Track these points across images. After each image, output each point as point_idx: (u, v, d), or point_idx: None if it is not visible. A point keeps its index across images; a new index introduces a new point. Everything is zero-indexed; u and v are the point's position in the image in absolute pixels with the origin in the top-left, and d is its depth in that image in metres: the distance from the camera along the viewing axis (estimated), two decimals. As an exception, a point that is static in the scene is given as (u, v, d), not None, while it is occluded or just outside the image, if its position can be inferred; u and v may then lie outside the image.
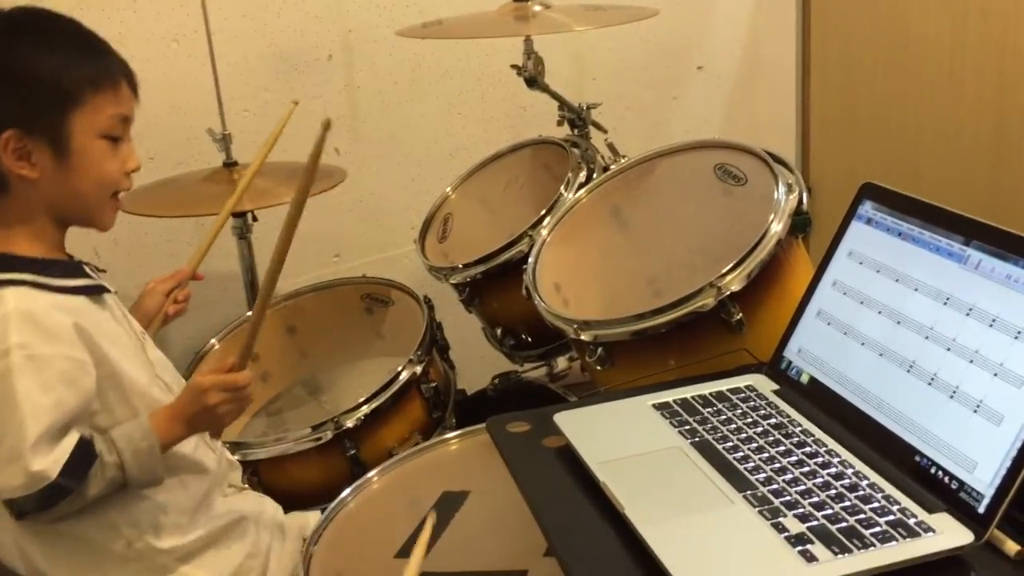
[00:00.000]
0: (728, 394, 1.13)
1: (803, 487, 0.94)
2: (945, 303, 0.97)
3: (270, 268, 1.21)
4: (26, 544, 1.21)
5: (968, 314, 0.94)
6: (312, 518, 1.44)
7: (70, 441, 1.13)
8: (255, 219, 1.85)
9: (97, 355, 1.17)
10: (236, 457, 1.53)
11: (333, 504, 1.33)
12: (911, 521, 0.87)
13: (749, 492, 0.94)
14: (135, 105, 1.24)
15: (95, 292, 1.22)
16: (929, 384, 0.96)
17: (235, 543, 1.34)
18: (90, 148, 1.18)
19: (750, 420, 1.07)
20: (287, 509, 1.53)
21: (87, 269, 1.24)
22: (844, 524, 0.88)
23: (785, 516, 0.89)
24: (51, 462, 1.11)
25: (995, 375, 0.90)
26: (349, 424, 1.52)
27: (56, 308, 1.15)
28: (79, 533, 1.21)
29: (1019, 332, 0.89)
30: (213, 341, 1.77)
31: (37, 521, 1.16)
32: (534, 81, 1.79)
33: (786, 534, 0.87)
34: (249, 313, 1.83)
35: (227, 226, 1.86)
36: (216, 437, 1.30)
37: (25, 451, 1.09)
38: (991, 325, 0.92)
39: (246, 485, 1.45)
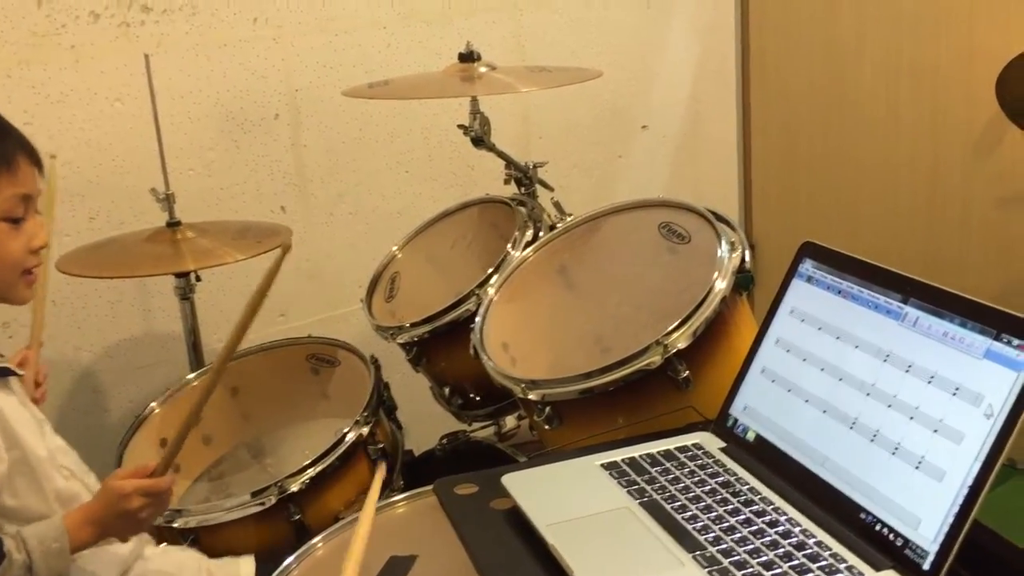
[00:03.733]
0: (676, 453, 1.13)
1: (751, 546, 0.94)
2: (885, 360, 0.99)
3: (202, 392, 1.23)
4: None
5: (908, 371, 0.96)
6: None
7: None
8: (198, 279, 1.83)
9: (9, 439, 1.14)
10: (177, 524, 1.49)
11: (277, 572, 1.30)
12: (858, 579, 0.88)
13: (698, 552, 0.93)
14: (39, 182, 1.22)
15: (1, 375, 1.19)
16: (872, 441, 0.97)
17: None
18: None
19: (698, 479, 1.07)
20: (229, 576, 1.49)
21: None
22: (792, 584, 0.88)
23: (734, 576, 0.89)
24: None
25: (935, 431, 0.91)
26: (293, 488, 1.49)
27: None
28: None
29: (957, 388, 0.90)
30: (153, 405, 1.73)
31: None
32: (480, 140, 1.80)
33: (735, 595, 0.87)
34: (191, 376, 1.80)
35: (170, 286, 1.84)
36: (124, 541, 1.26)
37: None
38: (930, 382, 0.93)
39: (164, 545, 1.40)
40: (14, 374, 1.21)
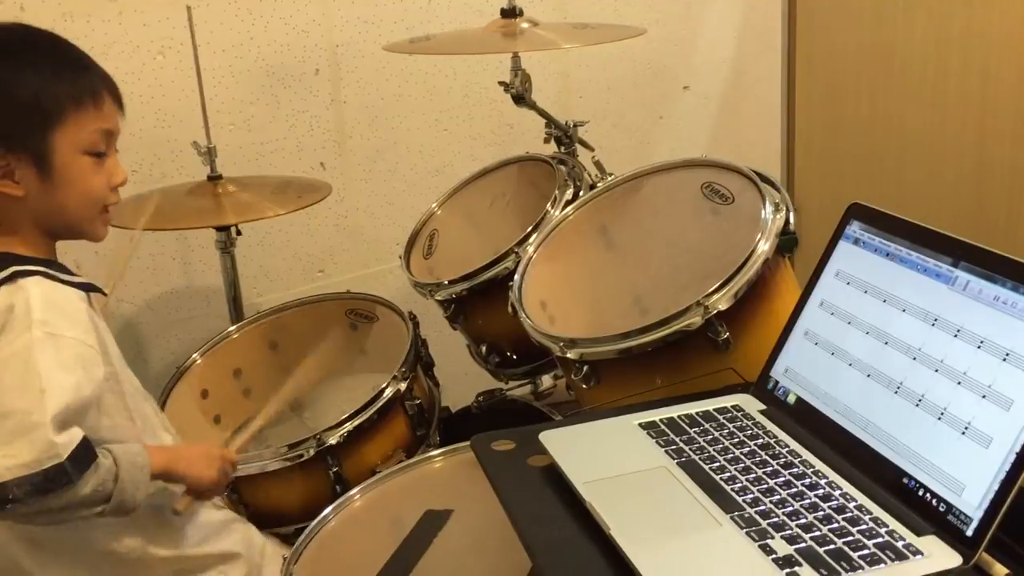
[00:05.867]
0: (715, 414, 1.12)
1: (790, 508, 0.93)
2: (933, 324, 0.97)
3: None
4: (19, 553, 1.19)
5: (956, 335, 0.94)
6: None
7: (78, 431, 1.10)
8: (239, 233, 1.84)
9: (103, 350, 1.17)
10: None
11: (315, 522, 1.32)
12: (899, 544, 0.87)
13: (736, 513, 0.93)
14: (120, 119, 1.24)
15: (89, 289, 1.21)
16: (917, 405, 0.95)
17: (230, 569, 1.33)
18: (74, 165, 1.17)
19: (737, 440, 1.06)
20: (269, 527, 1.52)
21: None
22: (832, 546, 0.87)
23: (772, 538, 0.89)
24: (66, 439, 1.07)
25: (983, 397, 0.89)
26: (332, 441, 1.51)
27: (74, 296, 1.16)
28: (76, 538, 1.19)
29: (1007, 354, 0.89)
30: (195, 356, 1.75)
31: (16, 515, 1.09)
32: (521, 98, 1.79)
33: (774, 556, 0.86)
34: (232, 328, 1.82)
35: (211, 239, 1.85)
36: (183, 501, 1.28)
37: (45, 422, 1.05)
38: (979, 347, 0.92)
39: (223, 504, 1.43)
40: (99, 290, 1.24)
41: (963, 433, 0.90)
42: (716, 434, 1.08)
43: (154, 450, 1.20)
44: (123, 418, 1.22)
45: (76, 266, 1.89)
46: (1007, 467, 0.85)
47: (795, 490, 0.96)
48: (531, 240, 1.57)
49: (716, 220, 1.44)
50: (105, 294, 1.26)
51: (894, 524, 0.90)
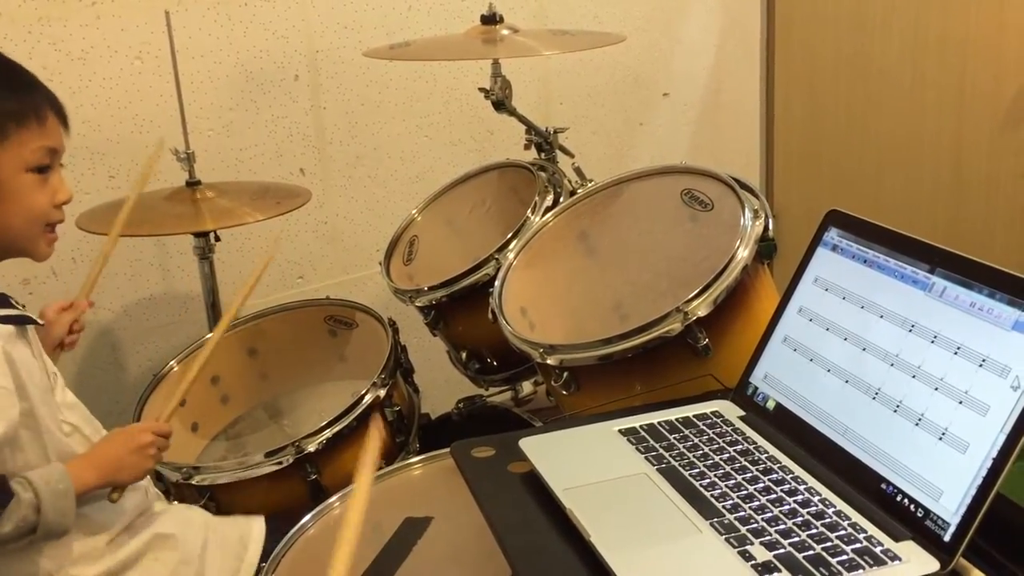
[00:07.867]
0: (694, 420, 1.12)
1: (769, 514, 0.93)
2: (910, 330, 0.98)
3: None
4: None
5: (933, 341, 0.95)
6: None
7: None
8: (217, 239, 1.83)
9: (20, 387, 1.14)
10: (194, 481, 1.50)
11: (293, 530, 1.30)
12: (877, 549, 0.87)
13: (716, 519, 0.93)
14: (64, 137, 1.23)
15: (21, 323, 1.18)
16: (895, 411, 0.96)
17: (163, 553, 1.30)
18: (16, 182, 1.16)
19: (716, 446, 1.06)
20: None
21: (11, 300, 1.21)
22: (811, 552, 0.87)
23: (752, 544, 0.89)
24: None
25: (960, 403, 0.90)
26: (310, 448, 1.50)
27: None
28: None
29: (983, 360, 0.89)
30: (172, 363, 1.74)
31: None
32: (501, 104, 1.79)
33: (753, 562, 0.86)
34: (210, 335, 1.80)
35: (190, 245, 1.84)
36: (124, 483, 1.25)
37: None
38: (956, 353, 0.92)
39: (173, 503, 1.40)
40: (33, 322, 1.21)
41: (940, 439, 0.90)
42: (696, 440, 1.08)
43: (80, 468, 1.17)
44: (38, 456, 1.18)
45: (52, 273, 1.89)
46: (984, 472, 0.85)
47: (774, 496, 0.96)
48: (511, 246, 1.58)
49: (695, 227, 1.45)
50: (39, 323, 1.23)
51: (872, 529, 0.90)
